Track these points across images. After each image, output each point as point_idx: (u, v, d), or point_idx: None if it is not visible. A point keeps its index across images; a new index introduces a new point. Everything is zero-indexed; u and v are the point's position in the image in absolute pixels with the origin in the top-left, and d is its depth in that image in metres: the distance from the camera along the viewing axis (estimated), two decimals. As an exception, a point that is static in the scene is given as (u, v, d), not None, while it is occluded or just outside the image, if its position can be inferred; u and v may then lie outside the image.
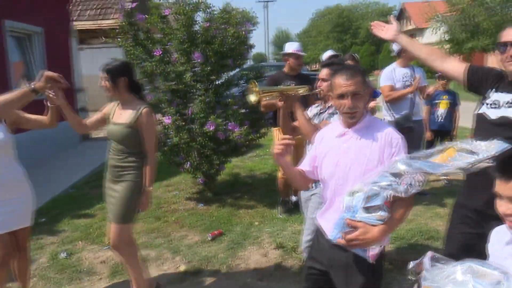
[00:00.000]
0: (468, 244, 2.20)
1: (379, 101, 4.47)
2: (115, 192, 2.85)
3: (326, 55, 5.00)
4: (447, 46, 23.88)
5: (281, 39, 58.14)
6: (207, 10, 4.66)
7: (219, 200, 4.96)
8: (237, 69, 5.02)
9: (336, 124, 2.08)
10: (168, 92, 4.60)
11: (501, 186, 1.37)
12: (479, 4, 20.06)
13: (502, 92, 2.13)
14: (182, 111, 4.73)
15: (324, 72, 2.79)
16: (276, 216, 4.50)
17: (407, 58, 4.55)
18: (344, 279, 1.96)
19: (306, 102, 3.65)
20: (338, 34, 47.88)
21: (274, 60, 49.38)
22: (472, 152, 1.63)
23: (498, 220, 1.99)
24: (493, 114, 2.11)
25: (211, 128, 4.22)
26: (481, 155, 1.59)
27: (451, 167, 1.60)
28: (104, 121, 2.98)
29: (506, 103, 2.07)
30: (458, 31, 21.29)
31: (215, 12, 4.67)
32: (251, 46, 4.99)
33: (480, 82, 2.27)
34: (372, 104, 4.08)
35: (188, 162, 4.79)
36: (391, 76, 4.57)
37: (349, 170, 1.91)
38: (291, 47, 4.54)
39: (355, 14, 50.78)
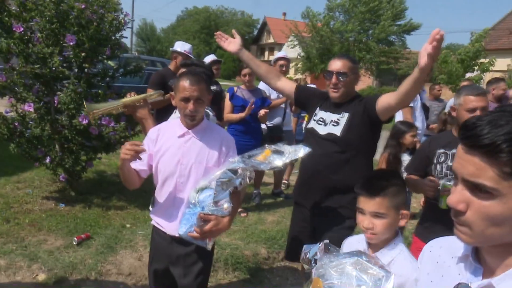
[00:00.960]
0: (305, 236, 2.58)
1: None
2: None
3: (208, 59, 5.05)
4: (301, 63, 26.52)
5: (145, 32, 55.83)
6: None
7: (84, 200, 4.51)
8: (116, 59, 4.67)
9: (175, 124, 2.16)
10: (30, 76, 3.99)
11: (365, 203, 1.60)
12: (336, 31, 22.87)
13: (326, 111, 2.48)
14: (44, 98, 4.18)
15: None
16: (150, 218, 4.33)
17: (281, 72, 4.92)
18: (182, 270, 2.13)
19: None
20: (205, 36, 48.48)
21: (135, 52, 47.12)
22: (282, 153, 1.95)
23: (324, 216, 2.42)
24: (321, 130, 2.44)
25: (84, 122, 3.82)
26: (290, 156, 1.93)
27: (268, 165, 1.93)
28: None
29: (332, 122, 2.41)
30: (312, 51, 23.82)
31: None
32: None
33: (307, 100, 2.64)
34: (262, 112, 4.33)
35: (49, 157, 4.24)
36: (267, 87, 4.88)
37: (190, 169, 2.07)
38: (183, 47, 4.47)
39: (221, 19, 52.20)
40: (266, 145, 2.02)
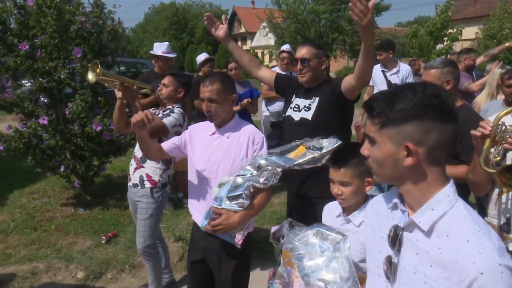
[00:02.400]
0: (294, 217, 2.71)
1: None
2: None
3: (201, 57, 5.30)
4: (276, 50, 26.74)
5: (114, 33, 54.86)
6: (79, 4, 4.43)
7: (100, 203, 4.75)
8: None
9: (210, 124, 2.29)
10: (38, 90, 4.18)
11: (333, 174, 1.81)
12: (310, 12, 23.04)
13: (300, 97, 2.59)
14: (48, 111, 4.37)
15: (167, 79, 2.94)
16: (165, 214, 4.60)
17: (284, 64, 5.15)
18: (217, 264, 2.21)
19: None
20: (175, 32, 48.06)
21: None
22: (317, 148, 1.99)
23: (304, 197, 2.51)
24: (296, 116, 2.55)
25: (98, 129, 4.05)
26: (324, 150, 1.98)
27: (299, 161, 1.98)
28: None
29: (304, 107, 2.53)
30: (289, 35, 23.90)
31: (86, 6, 4.47)
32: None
33: (285, 88, 2.76)
34: (244, 101, 4.56)
35: (63, 166, 4.45)
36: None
37: (218, 165, 2.17)
38: (160, 49, 4.57)
39: (189, 13, 51.72)
40: (300, 141, 2.07)
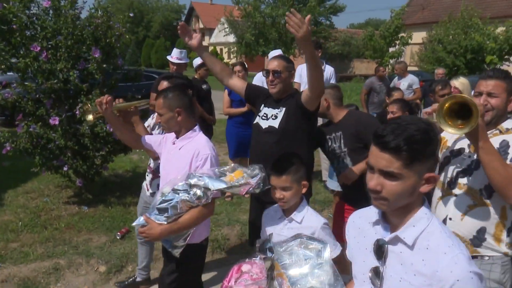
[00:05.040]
0: (258, 222, 2.75)
1: None
2: None
3: (198, 61, 5.54)
4: (236, 47, 27.03)
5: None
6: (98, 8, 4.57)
7: (102, 201, 4.87)
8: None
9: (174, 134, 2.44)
10: (48, 91, 4.26)
11: (275, 181, 2.02)
12: (268, 15, 23.57)
13: (269, 107, 2.77)
14: (60, 111, 4.43)
15: (164, 85, 2.96)
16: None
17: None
18: (167, 261, 2.45)
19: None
20: (130, 25, 46.75)
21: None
22: (250, 176, 2.08)
23: (270, 203, 2.52)
24: (264, 124, 2.73)
25: (111, 129, 4.20)
26: (253, 179, 2.06)
27: (229, 185, 2.05)
28: None
29: (272, 116, 2.71)
30: (248, 36, 24.33)
31: (93, 10, 4.59)
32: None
33: (255, 98, 2.94)
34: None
35: (67, 165, 4.54)
36: (260, 81, 5.51)
37: (168, 174, 2.31)
38: (172, 54, 5.06)
39: (145, 7, 50.56)
40: (238, 166, 2.17)
